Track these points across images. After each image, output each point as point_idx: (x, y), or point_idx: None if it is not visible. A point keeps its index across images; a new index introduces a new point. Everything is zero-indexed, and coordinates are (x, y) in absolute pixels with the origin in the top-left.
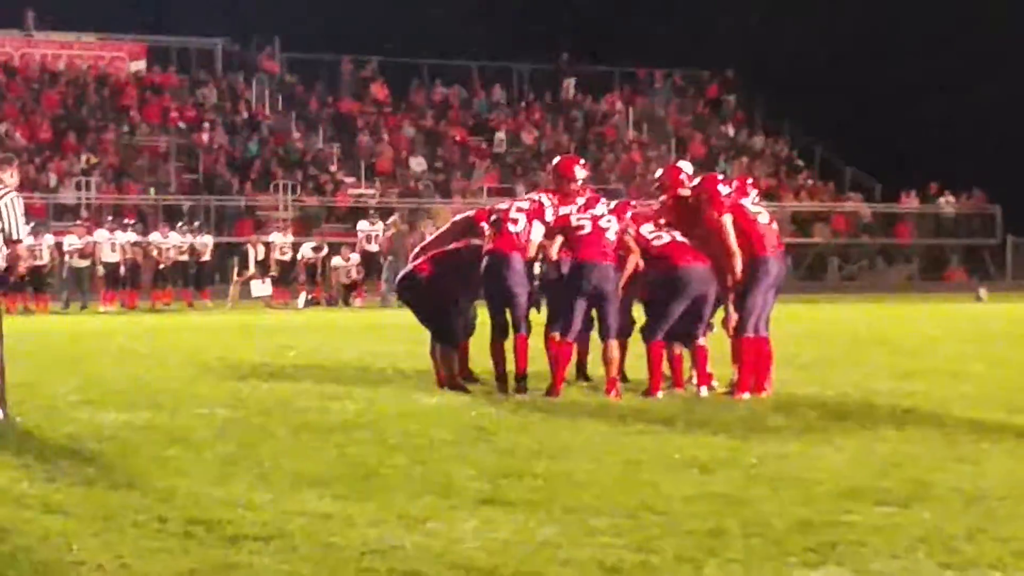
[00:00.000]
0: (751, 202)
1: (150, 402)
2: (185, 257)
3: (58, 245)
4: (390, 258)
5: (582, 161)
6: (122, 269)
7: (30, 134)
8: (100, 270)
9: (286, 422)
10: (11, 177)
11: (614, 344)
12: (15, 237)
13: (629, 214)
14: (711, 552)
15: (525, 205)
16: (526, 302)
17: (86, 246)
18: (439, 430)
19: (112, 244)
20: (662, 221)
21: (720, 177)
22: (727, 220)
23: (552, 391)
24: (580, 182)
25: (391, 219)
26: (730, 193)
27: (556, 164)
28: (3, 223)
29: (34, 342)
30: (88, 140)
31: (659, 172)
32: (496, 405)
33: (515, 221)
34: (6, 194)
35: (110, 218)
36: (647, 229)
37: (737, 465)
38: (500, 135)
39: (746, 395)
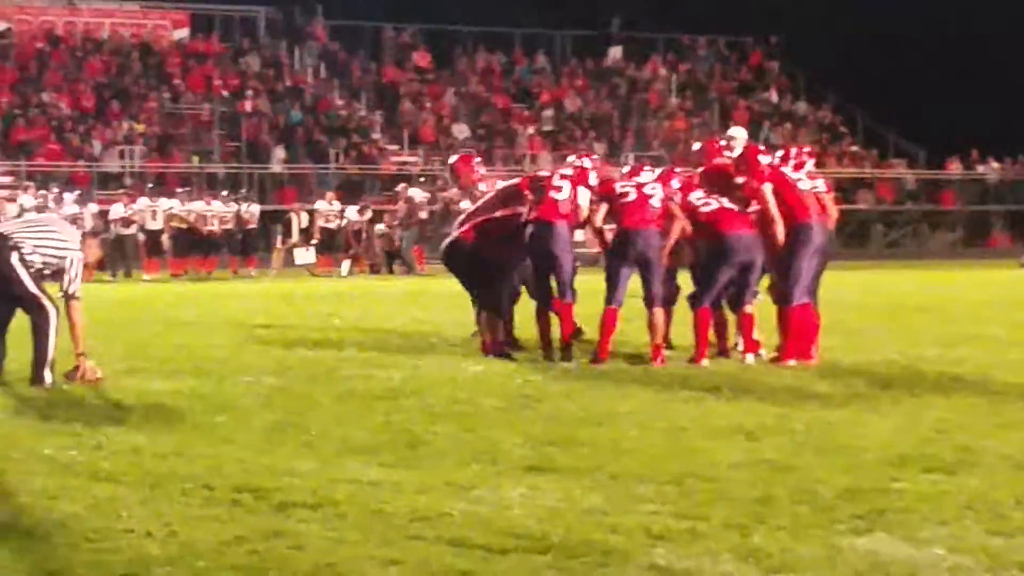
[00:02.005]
0: (806, 172)
1: (196, 370)
2: (230, 225)
3: (102, 213)
4: (406, 231)
5: (477, 159)
6: (165, 237)
7: (74, 102)
8: (141, 237)
9: (332, 390)
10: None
11: (659, 311)
12: (68, 289)
13: (675, 183)
14: (758, 519)
15: (568, 172)
16: (571, 269)
17: (129, 214)
18: (485, 398)
19: (154, 212)
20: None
21: (762, 147)
22: (767, 188)
23: (598, 358)
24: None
25: (399, 187)
26: (771, 161)
27: (452, 164)
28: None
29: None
30: (131, 108)
31: (697, 145)
32: (542, 372)
33: (559, 188)
34: (73, 251)
35: (150, 186)
36: (695, 196)
37: (784, 432)
38: (548, 112)
39: (792, 362)
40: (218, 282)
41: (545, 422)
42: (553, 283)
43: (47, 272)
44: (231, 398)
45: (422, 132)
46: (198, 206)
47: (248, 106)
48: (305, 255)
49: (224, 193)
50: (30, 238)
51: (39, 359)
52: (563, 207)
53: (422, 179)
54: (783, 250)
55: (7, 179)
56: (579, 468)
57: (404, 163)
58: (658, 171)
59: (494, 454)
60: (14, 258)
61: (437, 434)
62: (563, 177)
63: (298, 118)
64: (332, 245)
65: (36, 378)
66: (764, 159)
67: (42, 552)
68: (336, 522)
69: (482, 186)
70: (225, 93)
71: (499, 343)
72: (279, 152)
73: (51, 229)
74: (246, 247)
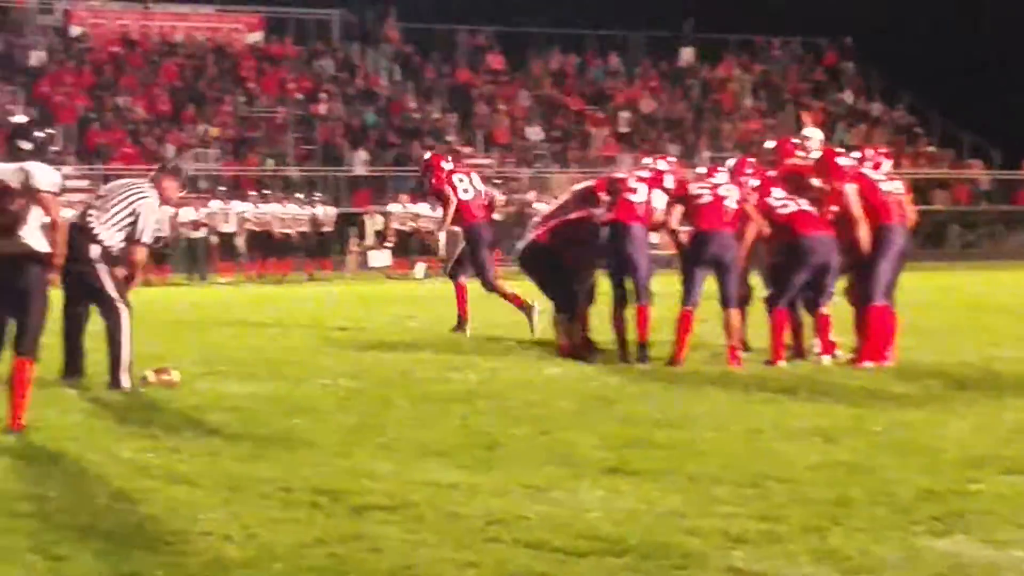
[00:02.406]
0: (884, 173)
1: (273, 373)
2: (305, 228)
3: (176, 217)
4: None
5: (448, 157)
6: (240, 240)
7: (149, 106)
8: (214, 240)
9: (408, 392)
10: (173, 189)
11: (735, 313)
12: (139, 238)
13: (752, 182)
14: (836, 521)
15: (644, 174)
16: (647, 271)
17: (199, 218)
18: (561, 400)
19: (227, 215)
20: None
21: (839, 149)
22: (850, 190)
23: (674, 360)
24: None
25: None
26: (852, 164)
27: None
28: (136, 222)
29: (156, 313)
30: (206, 112)
31: (771, 143)
32: (618, 374)
33: (634, 190)
34: (144, 199)
35: (222, 188)
36: (775, 196)
37: (861, 433)
38: (625, 114)
39: (869, 364)
40: (293, 285)
41: (622, 424)
42: (629, 285)
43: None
44: (308, 401)
45: (496, 134)
46: (273, 209)
47: (322, 109)
48: (380, 257)
49: (299, 196)
50: (106, 216)
51: (114, 362)
52: (639, 209)
53: (496, 182)
54: (865, 252)
55: (83, 183)
56: (656, 470)
57: (478, 165)
58: (732, 161)
59: (571, 456)
60: (94, 252)
61: (514, 436)
62: (639, 179)
63: (372, 120)
64: (406, 247)
65: (113, 382)
66: (843, 161)
67: (121, 554)
68: (413, 524)
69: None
70: (299, 96)
71: (575, 345)
72: (361, 154)
73: (123, 193)
74: (320, 249)
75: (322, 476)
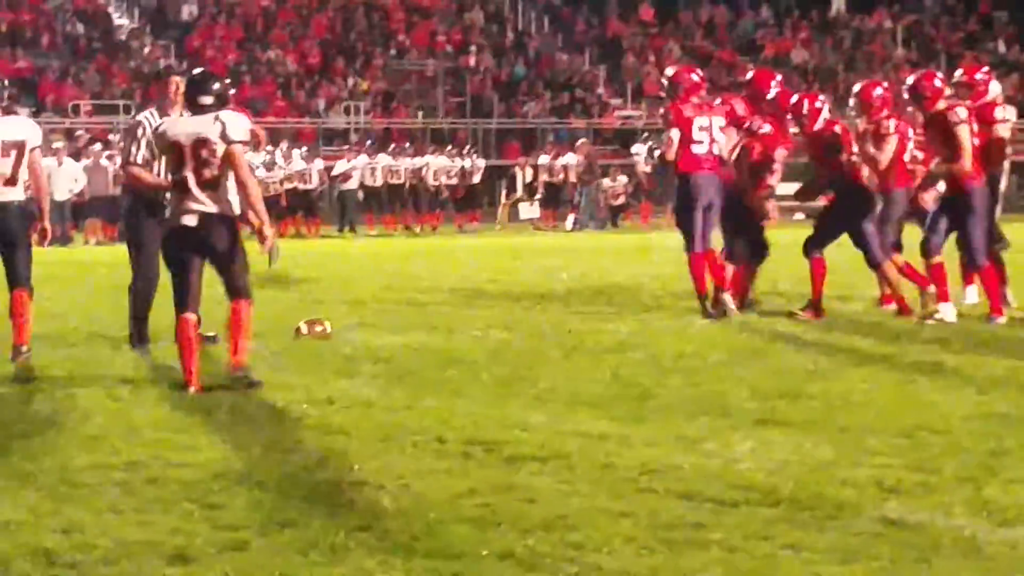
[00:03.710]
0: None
1: (425, 324)
2: (455, 180)
3: (327, 169)
4: (584, 187)
5: None
6: (388, 193)
7: (299, 59)
8: (360, 195)
9: (559, 344)
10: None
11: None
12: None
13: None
14: (991, 472)
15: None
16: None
17: (348, 170)
18: (713, 351)
19: (373, 168)
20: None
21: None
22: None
23: (814, 309)
24: None
25: (579, 142)
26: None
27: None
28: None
29: (306, 268)
30: (356, 65)
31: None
32: (769, 325)
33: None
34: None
35: (369, 142)
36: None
37: (1015, 385)
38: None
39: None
40: (443, 237)
41: (773, 375)
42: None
43: None
44: (460, 352)
45: (646, 86)
46: (423, 161)
47: (472, 61)
48: (529, 210)
49: (449, 148)
50: None
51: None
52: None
53: (645, 134)
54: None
55: None
56: (808, 421)
57: (627, 117)
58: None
59: (723, 407)
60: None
61: (666, 387)
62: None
63: (522, 73)
64: (556, 200)
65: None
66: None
67: (276, 504)
68: (566, 475)
69: None
70: (449, 49)
71: (742, 296)
72: (533, 106)
73: None
74: (470, 202)
75: (475, 427)
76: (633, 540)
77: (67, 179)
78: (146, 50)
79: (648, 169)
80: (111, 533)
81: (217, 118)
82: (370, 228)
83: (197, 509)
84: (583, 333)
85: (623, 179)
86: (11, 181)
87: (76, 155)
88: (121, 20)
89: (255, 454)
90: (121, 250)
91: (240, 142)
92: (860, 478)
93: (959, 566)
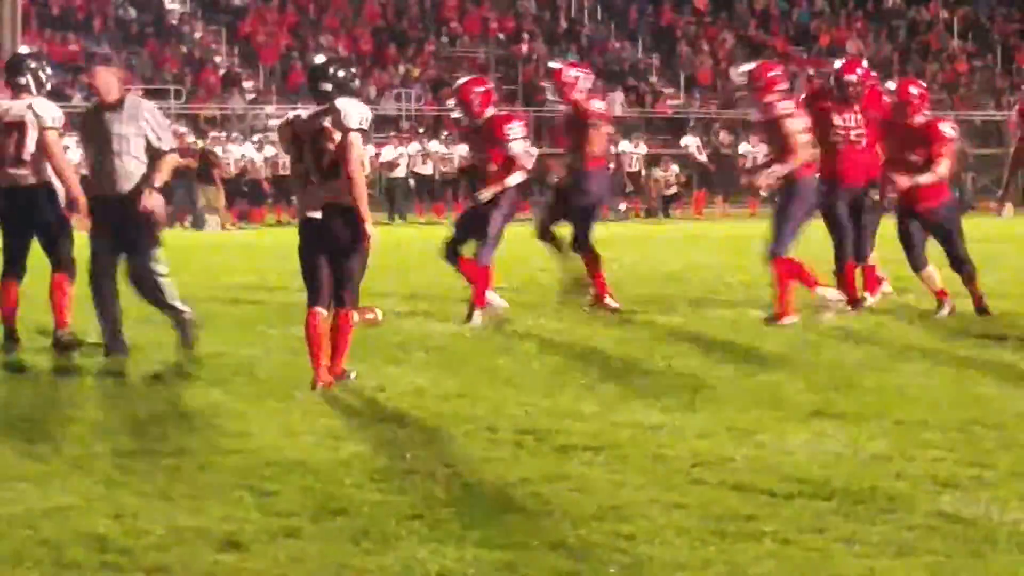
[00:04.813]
0: None
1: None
2: None
3: (376, 156)
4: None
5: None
6: (438, 181)
7: (351, 46)
8: (412, 182)
9: (611, 334)
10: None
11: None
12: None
13: None
14: None
15: None
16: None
17: (395, 158)
18: (766, 342)
19: (424, 156)
20: None
21: None
22: None
23: (851, 301)
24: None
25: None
26: None
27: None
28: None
29: None
30: (408, 52)
31: None
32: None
33: None
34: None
35: (421, 130)
36: None
37: None
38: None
39: None
40: None
41: (827, 367)
42: None
43: None
44: (512, 340)
45: (699, 75)
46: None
47: (524, 49)
48: None
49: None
50: None
51: None
52: None
53: (691, 124)
54: None
55: None
56: (863, 414)
57: (680, 106)
58: None
59: (777, 399)
60: None
61: (719, 378)
62: None
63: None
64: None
65: None
66: None
67: (328, 491)
68: (618, 465)
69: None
70: (501, 36)
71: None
72: (618, 96)
73: None
74: (522, 190)
75: (526, 416)
76: (685, 532)
77: None
78: (197, 35)
79: (703, 158)
80: (162, 519)
81: (335, 106)
82: (419, 216)
83: (248, 496)
84: (635, 323)
85: (675, 169)
86: (18, 162)
87: None
88: (172, 5)
89: (307, 441)
90: (169, 233)
91: (357, 130)
92: (914, 471)
93: (1014, 560)
